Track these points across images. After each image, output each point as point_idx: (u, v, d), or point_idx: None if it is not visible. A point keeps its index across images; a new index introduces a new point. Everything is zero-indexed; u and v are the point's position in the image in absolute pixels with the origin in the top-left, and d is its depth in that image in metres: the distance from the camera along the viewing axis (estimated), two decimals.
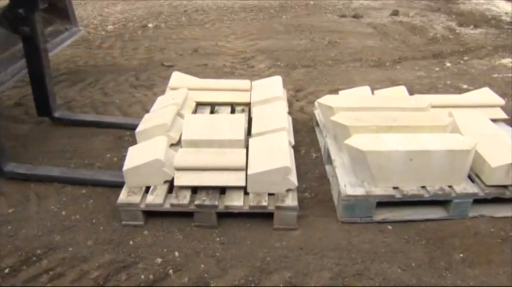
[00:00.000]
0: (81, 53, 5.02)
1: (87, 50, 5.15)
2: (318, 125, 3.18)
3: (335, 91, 3.71)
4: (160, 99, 3.11)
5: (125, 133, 3.23)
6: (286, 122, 2.80)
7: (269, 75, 3.94)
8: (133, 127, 2.88)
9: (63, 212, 2.43)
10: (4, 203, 2.52)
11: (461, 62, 4.72)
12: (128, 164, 2.37)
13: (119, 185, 2.43)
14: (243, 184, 2.31)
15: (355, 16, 6.47)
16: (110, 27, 5.99)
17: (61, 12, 4.19)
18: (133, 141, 2.74)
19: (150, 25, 6.04)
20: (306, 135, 3.23)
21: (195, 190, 2.36)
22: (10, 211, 2.46)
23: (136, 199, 2.29)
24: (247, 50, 5.05)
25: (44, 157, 3.00)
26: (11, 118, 3.55)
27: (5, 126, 3.35)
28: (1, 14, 2.94)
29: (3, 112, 3.66)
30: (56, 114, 3.39)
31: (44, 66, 3.20)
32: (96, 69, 4.55)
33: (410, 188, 2.33)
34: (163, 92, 3.40)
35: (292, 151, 2.62)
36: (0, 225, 2.34)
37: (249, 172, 2.30)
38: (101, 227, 2.31)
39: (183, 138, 2.52)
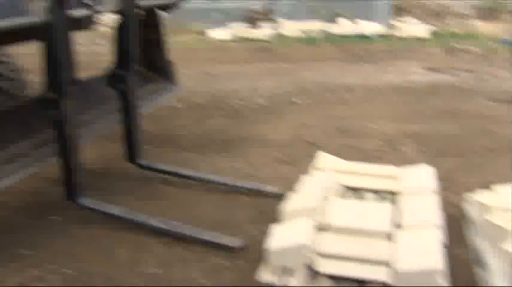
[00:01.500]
0: (232, 124, 5.41)
1: (236, 120, 5.54)
2: (467, 220, 2.99)
3: (486, 184, 3.46)
4: (305, 179, 3.19)
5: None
6: (439, 218, 2.68)
7: (417, 162, 3.84)
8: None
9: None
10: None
11: None
12: (272, 244, 2.45)
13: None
14: (388, 280, 2.24)
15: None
16: (259, 100, 6.39)
17: (161, 70, 4.57)
18: None
19: (296, 101, 6.33)
20: (451, 230, 3.04)
21: (333, 277, 2.34)
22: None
23: (282, 280, 2.34)
24: (394, 134, 5.00)
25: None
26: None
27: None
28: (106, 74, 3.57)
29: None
30: (141, 162, 3.84)
31: (134, 118, 3.72)
32: (243, 140, 4.86)
33: None
34: (306, 170, 3.49)
35: (444, 251, 2.48)
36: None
37: (399, 270, 2.22)
38: None
39: (329, 223, 2.54)
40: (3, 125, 3.21)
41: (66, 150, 3.13)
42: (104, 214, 3.16)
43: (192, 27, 14.30)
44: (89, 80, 4.02)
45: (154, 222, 3.06)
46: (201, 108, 6.04)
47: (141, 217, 3.10)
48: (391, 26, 11.69)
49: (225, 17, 14.65)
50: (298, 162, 4.21)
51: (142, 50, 4.21)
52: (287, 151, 4.52)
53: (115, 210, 3.17)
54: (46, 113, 3.07)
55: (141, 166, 3.88)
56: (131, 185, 3.83)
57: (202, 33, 13.23)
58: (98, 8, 3.33)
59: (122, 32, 3.62)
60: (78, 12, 3.16)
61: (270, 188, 3.60)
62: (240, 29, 12.64)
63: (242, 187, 3.64)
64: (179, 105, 6.03)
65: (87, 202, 3.19)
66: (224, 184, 3.71)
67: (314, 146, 4.52)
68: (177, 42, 12.65)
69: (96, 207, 3.19)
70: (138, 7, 3.72)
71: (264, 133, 5.03)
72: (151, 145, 4.62)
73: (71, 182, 3.19)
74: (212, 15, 15.13)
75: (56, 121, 3.08)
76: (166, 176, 3.86)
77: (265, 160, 4.29)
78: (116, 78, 3.66)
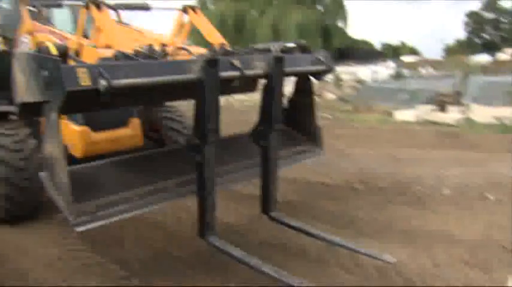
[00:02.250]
0: (414, 213, 5.19)
1: (419, 210, 5.30)
2: None
3: None
4: None
5: None
6: None
7: None
8: None
9: None
10: None
11: None
12: None
13: None
14: None
15: None
16: (445, 190, 6.04)
17: (309, 133, 4.76)
18: None
19: (488, 196, 5.83)
20: None
21: None
22: None
23: None
24: None
25: None
26: None
27: None
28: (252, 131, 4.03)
29: None
30: (273, 214, 4.07)
31: (272, 173, 4.01)
32: (426, 233, 4.60)
33: None
34: (500, 280, 3.16)
35: None
36: None
37: None
38: None
39: None
40: (157, 164, 3.89)
41: (204, 190, 3.56)
42: (226, 254, 3.49)
43: (378, 107, 14.44)
44: (237, 135, 4.48)
45: (266, 269, 3.31)
46: (382, 192, 5.94)
47: (255, 262, 3.38)
48: None
49: (412, 98, 14.50)
50: (490, 268, 3.83)
51: (293, 112, 4.67)
52: (477, 253, 4.14)
53: (236, 252, 3.47)
54: (191, 156, 3.54)
55: (273, 218, 4.13)
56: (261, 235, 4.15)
57: (387, 113, 13.25)
58: (247, 72, 3.66)
59: (268, 94, 3.93)
60: (228, 73, 3.54)
61: (387, 257, 3.56)
62: (427, 112, 12.34)
63: (361, 252, 3.71)
64: (360, 187, 6.04)
65: (215, 240, 3.57)
66: (346, 247, 3.80)
67: (509, 253, 4.07)
68: (361, 121, 12.91)
69: (221, 247, 3.53)
70: (284, 73, 3.95)
71: (450, 229, 4.70)
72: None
73: (204, 220, 3.59)
74: (398, 96, 15.12)
75: (198, 164, 3.52)
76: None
77: (451, 260, 4.00)
78: (259, 135, 4.02)
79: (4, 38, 5.59)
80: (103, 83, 2.86)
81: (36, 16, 5.27)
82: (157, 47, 4.05)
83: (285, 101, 4.42)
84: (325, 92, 20.04)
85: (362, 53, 38.09)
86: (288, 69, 3.97)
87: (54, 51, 3.34)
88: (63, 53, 3.16)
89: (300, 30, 28.13)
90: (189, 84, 3.38)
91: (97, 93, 2.86)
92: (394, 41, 56.59)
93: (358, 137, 10.35)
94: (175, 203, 4.30)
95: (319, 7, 32.38)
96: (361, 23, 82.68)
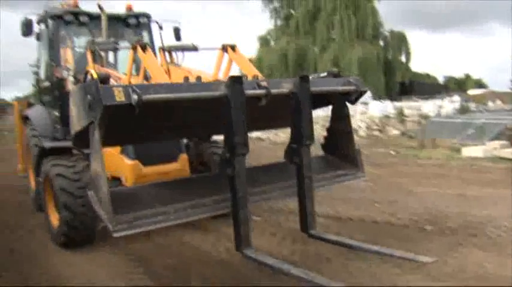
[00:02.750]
0: (489, 258, 4.93)
1: (494, 254, 5.04)
2: None
3: None
4: None
5: None
6: None
7: None
8: None
9: None
10: None
11: None
12: None
13: None
14: None
15: None
16: None
17: (349, 158, 4.94)
18: None
19: None
20: None
21: None
22: None
23: None
24: None
25: None
26: None
27: None
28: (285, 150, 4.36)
29: None
30: (312, 232, 4.33)
31: (307, 190, 4.25)
32: (504, 279, 4.38)
33: None
34: None
35: None
36: None
37: None
38: None
39: None
40: (195, 186, 4.31)
41: (236, 204, 3.82)
42: (261, 263, 3.89)
43: (444, 142, 14.04)
44: (278, 162, 4.83)
45: (296, 272, 3.71)
46: (452, 233, 5.73)
47: (287, 267, 3.80)
48: None
49: (479, 132, 13.99)
50: None
51: (332, 139, 5.01)
52: None
53: (269, 261, 3.87)
54: (224, 170, 3.84)
55: (312, 236, 4.40)
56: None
57: (454, 149, 12.85)
58: (273, 90, 3.95)
59: (296, 112, 4.20)
60: (254, 91, 3.89)
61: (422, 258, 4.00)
62: (496, 147, 11.83)
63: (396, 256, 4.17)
64: (428, 228, 5.87)
65: (251, 253, 3.89)
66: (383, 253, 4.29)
67: None
68: (426, 157, 12.60)
69: (258, 258, 3.88)
70: (311, 91, 4.19)
71: None
72: (397, 267, 4.59)
73: (239, 233, 3.85)
74: (465, 131, 14.64)
75: (230, 178, 3.81)
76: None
77: None
78: (291, 153, 4.28)
79: (75, 78, 6.15)
80: (134, 97, 3.29)
81: (98, 59, 5.96)
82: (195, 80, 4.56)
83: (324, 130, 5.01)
84: (388, 128, 19.75)
85: (425, 86, 37.31)
86: (315, 88, 4.26)
87: (95, 76, 4.02)
88: (104, 78, 3.52)
89: (361, 65, 28.06)
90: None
91: (131, 108, 3.30)
92: (459, 73, 55.11)
93: (424, 174, 10.09)
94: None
95: (381, 42, 32.20)
96: (423, 55, 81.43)
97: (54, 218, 5.58)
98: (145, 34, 7.26)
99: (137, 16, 7.15)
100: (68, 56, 6.76)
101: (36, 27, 7.15)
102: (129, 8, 7.19)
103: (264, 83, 3.96)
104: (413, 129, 18.99)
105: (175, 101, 3.64)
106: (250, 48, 32.94)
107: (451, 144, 13.72)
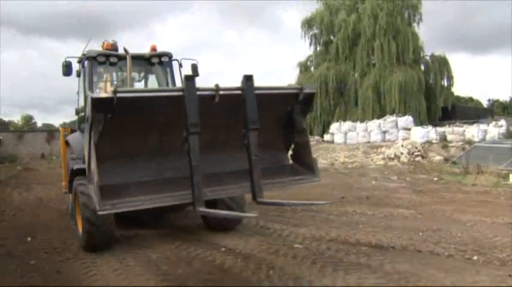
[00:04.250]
0: None
1: None
2: None
3: None
4: None
5: None
6: None
7: None
8: None
9: None
10: None
11: None
12: None
13: None
14: None
15: None
16: None
17: (309, 167, 6.00)
18: None
19: None
20: None
21: None
22: None
23: None
24: None
25: None
26: None
27: None
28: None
29: None
30: (259, 199, 5.35)
31: (254, 166, 5.30)
32: None
33: None
34: None
35: None
36: None
37: None
38: None
39: None
40: (176, 183, 5.31)
41: (192, 170, 4.95)
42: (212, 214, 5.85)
43: (489, 169, 13.62)
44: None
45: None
46: (502, 264, 5.46)
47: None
48: None
49: None
50: None
51: (296, 150, 6.17)
52: None
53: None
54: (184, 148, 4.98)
55: (259, 202, 5.40)
56: None
57: (500, 175, 12.44)
58: (222, 89, 5.19)
59: (244, 104, 5.21)
60: (204, 87, 5.19)
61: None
62: None
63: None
64: (476, 258, 5.66)
65: (202, 209, 5.03)
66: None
67: None
68: (471, 184, 12.23)
69: (210, 212, 5.37)
70: (255, 88, 5.29)
71: None
72: None
73: (194, 194, 4.98)
74: None
75: (187, 152, 4.95)
76: None
77: None
78: (243, 137, 5.27)
79: None
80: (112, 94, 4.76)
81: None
82: None
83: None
84: (430, 154, 19.35)
85: (469, 111, 36.42)
86: (260, 91, 5.31)
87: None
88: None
89: (402, 90, 27.67)
90: None
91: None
92: (504, 96, 53.51)
93: (469, 201, 9.78)
94: None
95: (422, 66, 31.72)
96: (466, 79, 79.68)
97: (80, 227, 6.66)
98: (167, 70, 8.34)
99: (160, 56, 8.15)
100: (101, 88, 8.05)
101: (76, 66, 8.33)
102: (153, 49, 8.19)
103: (218, 85, 5.18)
104: (456, 155, 18.52)
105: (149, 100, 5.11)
106: (290, 75, 33.17)
107: (497, 170, 13.28)
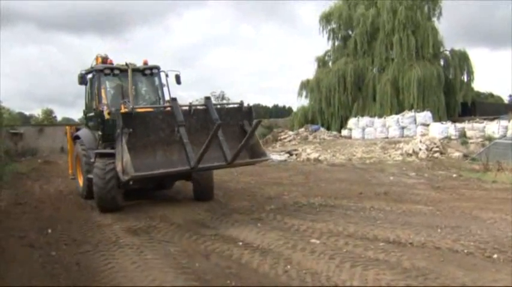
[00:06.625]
0: None
1: None
2: None
3: None
4: None
5: None
6: None
7: None
8: None
9: None
10: None
11: None
12: None
13: None
14: None
15: None
16: None
17: (254, 149, 8.87)
18: None
19: None
20: None
21: None
22: None
23: None
24: None
25: None
26: None
27: None
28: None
29: None
30: (228, 161, 8.15)
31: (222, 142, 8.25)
32: None
33: None
34: None
35: None
36: None
37: None
38: None
39: None
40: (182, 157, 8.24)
41: (185, 148, 7.88)
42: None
43: (510, 165, 13.40)
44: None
45: None
46: None
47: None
48: None
49: None
50: None
51: (251, 147, 8.68)
52: None
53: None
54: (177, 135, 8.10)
55: (229, 163, 8.06)
56: None
57: None
58: (194, 104, 9.13)
59: (207, 112, 8.55)
60: (182, 104, 8.72)
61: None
62: None
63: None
64: (496, 256, 5.58)
65: (202, 166, 7.98)
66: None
67: None
68: (491, 181, 12.05)
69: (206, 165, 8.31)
70: (212, 103, 8.81)
71: None
72: None
73: (189, 159, 7.77)
74: None
75: (179, 138, 8.00)
76: None
77: None
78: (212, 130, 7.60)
79: (108, 111, 9.81)
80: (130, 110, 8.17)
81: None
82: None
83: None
84: (449, 150, 19.11)
85: (489, 106, 35.81)
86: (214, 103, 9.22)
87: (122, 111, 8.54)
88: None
89: (421, 85, 27.30)
90: None
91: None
92: None
93: (489, 198, 9.66)
94: None
95: (441, 61, 31.23)
96: (486, 74, 78.37)
97: (81, 182, 10.67)
98: (155, 79, 10.96)
99: (151, 68, 10.73)
100: (103, 95, 10.23)
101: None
102: (145, 63, 10.77)
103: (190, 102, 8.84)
104: (476, 151, 18.26)
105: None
106: (308, 70, 32.88)
107: None
